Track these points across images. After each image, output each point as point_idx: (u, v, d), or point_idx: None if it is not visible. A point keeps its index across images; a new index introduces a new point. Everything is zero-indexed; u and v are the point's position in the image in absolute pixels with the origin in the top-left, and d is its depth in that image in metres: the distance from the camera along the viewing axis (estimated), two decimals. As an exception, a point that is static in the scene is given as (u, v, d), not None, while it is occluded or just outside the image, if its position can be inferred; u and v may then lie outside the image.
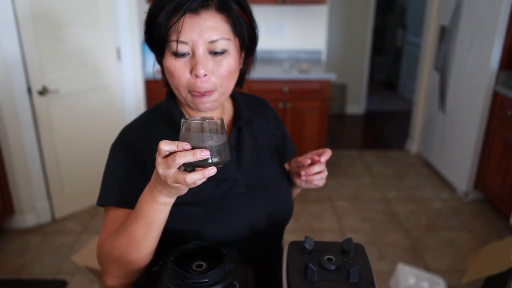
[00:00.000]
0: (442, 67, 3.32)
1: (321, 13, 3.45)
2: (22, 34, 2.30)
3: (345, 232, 2.66)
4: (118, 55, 2.75)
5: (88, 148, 2.73)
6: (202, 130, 0.64)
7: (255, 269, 0.84)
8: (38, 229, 2.62)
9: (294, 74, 3.02)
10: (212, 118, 0.66)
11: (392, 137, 4.40)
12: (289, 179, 1.04)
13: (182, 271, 0.72)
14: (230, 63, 0.82)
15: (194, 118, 0.67)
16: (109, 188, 0.86)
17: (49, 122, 2.52)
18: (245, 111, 0.96)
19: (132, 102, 2.90)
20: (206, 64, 0.79)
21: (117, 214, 0.85)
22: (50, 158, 2.58)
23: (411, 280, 2.03)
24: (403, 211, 2.90)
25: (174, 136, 0.88)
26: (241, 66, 0.90)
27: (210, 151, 0.64)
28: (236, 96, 0.99)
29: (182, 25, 0.77)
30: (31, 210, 2.61)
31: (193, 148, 0.64)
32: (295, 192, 1.09)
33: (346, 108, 5.10)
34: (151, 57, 2.34)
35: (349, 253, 0.76)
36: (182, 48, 0.79)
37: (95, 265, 1.81)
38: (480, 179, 2.93)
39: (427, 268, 2.31)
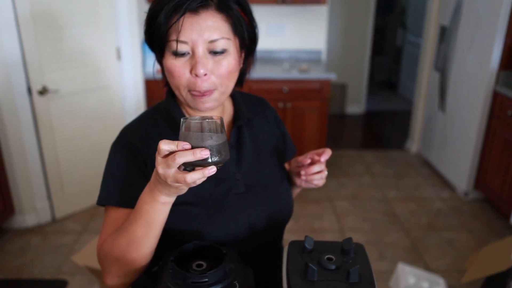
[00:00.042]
0: (442, 67, 3.32)
1: (321, 13, 3.45)
2: (22, 34, 2.30)
3: (345, 232, 2.66)
4: (118, 55, 2.75)
5: (88, 148, 2.73)
6: (201, 130, 0.64)
7: (255, 269, 0.84)
8: (38, 229, 2.62)
9: (294, 74, 3.02)
10: (211, 118, 0.66)
11: (392, 137, 4.40)
12: (289, 179, 1.04)
13: (182, 271, 0.72)
14: (230, 63, 0.82)
15: (193, 117, 0.67)
16: (109, 188, 0.86)
17: (49, 122, 2.52)
18: (245, 111, 0.96)
19: (132, 102, 2.90)
20: (206, 64, 0.79)
21: (117, 214, 0.85)
22: (50, 158, 2.58)
23: (411, 280, 2.03)
24: (403, 211, 2.90)
25: (174, 136, 0.87)
26: (241, 66, 0.90)
27: (210, 150, 0.64)
28: (236, 96, 0.99)
29: (181, 25, 0.77)
30: (31, 210, 2.61)
31: (193, 147, 0.64)
32: (295, 192, 1.09)
33: (346, 108, 5.10)
34: (151, 57, 2.34)
35: (349, 252, 0.76)
36: (182, 48, 0.79)
37: (95, 265, 1.81)
38: (480, 179, 2.93)
39: (427, 268, 2.31)
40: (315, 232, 2.64)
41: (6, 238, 2.53)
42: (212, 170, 0.64)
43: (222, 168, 0.89)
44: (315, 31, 3.50)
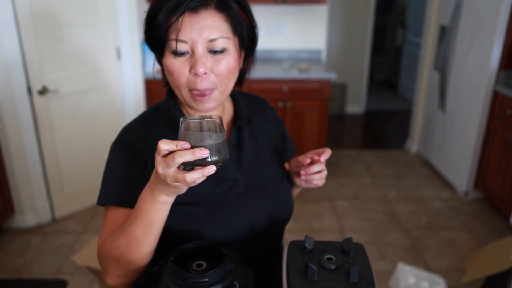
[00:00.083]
0: (442, 67, 3.32)
1: (321, 12, 3.45)
2: (22, 34, 2.30)
3: (345, 232, 2.66)
4: (118, 55, 2.75)
5: (88, 148, 2.73)
6: (201, 129, 0.64)
7: (255, 269, 0.84)
8: (38, 229, 2.62)
9: (294, 74, 3.02)
10: (210, 117, 0.66)
11: (392, 136, 4.40)
12: (289, 179, 1.04)
13: (182, 270, 0.72)
14: (229, 62, 0.82)
15: (193, 116, 0.67)
16: (109, 188, 0.86)
17: (49, 122, 2.52)
18: (245, 111, 0.96)
19: (132, 102, 2.90)
20: (205, 63, 0.80)
21: (117, 213, 0.85)
22: (50, 158, 2.58)
23: (411, 280, 2.03)
24: (403, 211, 2.90)
25: (174, 135, 0.87)
26: (241, 65, 0.90)
27: (209, 149, 0.64)
28: (236, 96, 0.99)
29: (181, 24, 0.77)
30: (31, 210, 2.61)
31: (192, 147, 0.64)
32: (295, 192, 1.09)
33: (346, 108, 5.10)
34: (151, 57, 2.34)
35: (349, 252, 0.76)
36: (182, 47, 0.79)
37: (95, 265, 1.81)
38: (480, 179, 2.93)
39: (427, 268, 2.31)
40: (315, 232, 2.64)
41: (6, 238, 2.53)
42: (211, 169, 0.64)
43: (222, 168, 0.89)
44: (315, 31, 3.50)
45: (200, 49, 0.79)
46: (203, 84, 0.81)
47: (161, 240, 0.80)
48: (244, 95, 1.04)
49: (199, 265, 0.77)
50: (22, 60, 2.34)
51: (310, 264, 0.70)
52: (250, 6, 0.86)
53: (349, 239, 0.78)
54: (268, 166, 0.97)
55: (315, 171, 0.93)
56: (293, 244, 0.80)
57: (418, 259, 2.39)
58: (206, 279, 0.71)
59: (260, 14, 3.31)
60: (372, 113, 5.14)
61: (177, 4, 0.76)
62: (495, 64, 2.71)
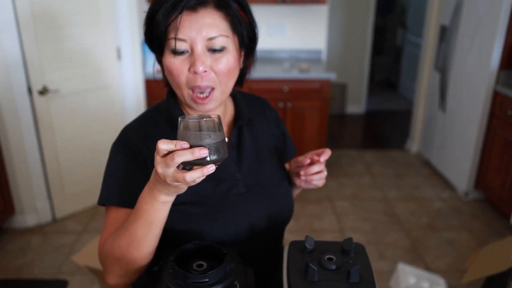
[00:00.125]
0: (442, 67, 3.32)
1: (321, 12, 3.45)
2: (22, 34, 2.30)
3: (345, 232, 2.66)
4: (118, 55, 2.75)
5: (89, 148, 2.73)
6: (199, 129, 0.65)
7: (256, 269, 0.84)
8: (39, 229, 2.62)
9: (294, 74, 3.02)
10: (209, 116, 0.66)
11: (392, 137, 4.40)
12: (289, 179, 1.04)
13: (183, 271, 0.72)
14: (229, 60, 0.82)
15: (191, 116, 0.67)
16: (109, 188, 0.86)
17: (49, 122, 2.52)
18: (246, 111, 0.96)
19: (132, 102, 2.90)
20: (204, 61, 0.80)
21: (118, 213, 0.85)
22: (50, 158, 2.58)
23: (412, 280, 2.03)
24: (403, 211, 2.90)
25: (174, 135, 0.87)
26: (241, 65, 0.90)
27: (209, 149, 0.64)
28: (237, 96, 0.99)
29: (180, 23, 0.77)
30: (32, 210, 2.61)
31: (191, 146, 0.64)
32: (295, 192, 1.09)
33: (346, 108, 5.10)
34: (151, 57, 2.34)
35: (349, 253, 0.76)
36: (181, 46, 0.79)
37: (96, 265, 1.81)
38: (481, 179, 2.93)
39: (428, 268, 2.31)
40: (315, 232, 2.64)
41: (6, 238, 2.53)
42: (211, 168, 0.64)
43: (222, 168, 0.89)
44: (315, 31, 3.50)
45: (199, 48, 0.79)
46: (203, 81, 0.81)
47: (162, 240, 0.80)
48: (245, 95, 1.04)
49: (200, 265, 0.77)
50: (22, 60, 2.34)
51: (311, 264, 0.70)
52: (250, 6, 0.86)
53: (350, 239, 0.78)
54: (269, 166, 0.97)
55: (314, 171, 0.93)
56: (293, 244, 0.80)
57: (418, 259, 2.39)
58: (207, 279, 0.71)
59: (260, 14, 3.31)
60: (372, 113, 5.13)
61: (175, 3, 0.77)
62: (495, 64, 2.70)
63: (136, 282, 0.85)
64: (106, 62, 2.69)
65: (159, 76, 0.93)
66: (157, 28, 0.79)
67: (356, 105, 5.11)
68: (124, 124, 1.29)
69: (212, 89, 0.83)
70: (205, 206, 0.86)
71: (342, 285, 0.70)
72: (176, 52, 0.80)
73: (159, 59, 0.86)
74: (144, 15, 0.83)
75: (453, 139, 3.18)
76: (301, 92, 3.05)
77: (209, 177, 0.65)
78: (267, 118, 1.04)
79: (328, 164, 0.98)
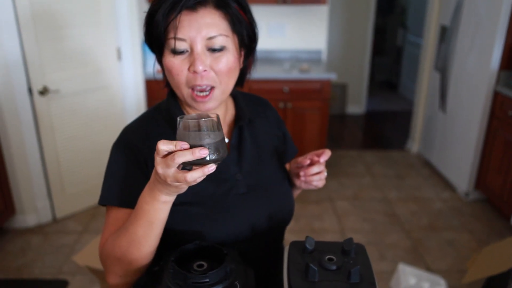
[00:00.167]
0: (442, 67, 3.32)
1: (321, 13, 3.45)
2: (22, 34, 2.30)
3: (346, 233, 2.66)
4: (119, 55, 2.75)
5: (89, 148, 2.73)
6: (199, 128, 0.65)
7: (256, 269, 0.84)
8: (39, 229, 2.62)
9: (295, 74, 3.02)
10: (208, 116, 0.66)
11: (393, 137, 4.40)
12: (289, 179, 1.04)
13: (183, 271, 0.72)
14: (229, 60, 0.82)
15: (190, 115, 0.67)
16: (110, 188, 0.86)
17: (49, 122, 2.53)
18: (247, 111, 0.96)
19: (132, 102, 2.90)
20: (204, 60, 0.80)
21: (118, 213, 0.85)
22: (50, 158, 2.58)
23: (412, 281, 2.02)
24: (404, 212, 2.90)
25: (174, 135, 0.87)
26: (241, 65, 0.90)
27: (208, 149, 0.64)
28: (237, 96, 0.99)
29: (179, 22, 0.77)
30: (32, 210, 2.61)
31: (191, 146, 0.64)
32: (296, 193, 1.09)
33: (347, 108, 5.10)
34: (151, 57, 2.34)
35: (350, 253, 0.76)
36: (180, 45, 0.79)
37: (96, 265, 1.81)
38: (481, 179, 2.93)
39: (428, 268, 2.31)
40: (315, 233, 2.64)
41: (7, 238, 2.53)
42: (211, 168, 0.64)
43: (223, 168, 0.89)
44: (316, 31, 3.50)
45: (199, 47, 0.79)
46: (203, 80, 0.81)
47: (162, 240, 0.80)
48: (245, 95, 1.04)
49: (200, 266, 0.77)
50: (22, 60, 2.34)
51: (311, 265, 0.70)
52: (250, 5, 0.86)
53: (350, 239, 0.78)
54: (269, 166, 0.97)
55: (314, 172, 0.93)
56: (294, 244, 0.80)
57: (418, 260, 2.38)
58: (207, 280, 0.71)
59: (261, 14, 3.32)
60: (373, 114, 5.13)
61: (174, 3, 0.77)
62: (495, 64, 2.70)
63: (136, 282, 0.85)
64: (106, 62, 2.69)
65: (159, 76, 0.93)
66: (156, 28, 0.79)
67: (357, 106, 5.11)
68: (124, 124, 1.29)
69: (213, 87, 0.83)
70: (206, 206, 0.86)
71: (343, 285, 0.70)
72: (175, 52, 0.80)
73: (159, 59, 0.86)
74: (144, 15, 0.83)
75: (454, 139, 3.18)
76: (301, 92, 3.05)
77: (209, 177, 0.65)
78: (268, 119, 1.04)
79: (329, 164, 0.97)
